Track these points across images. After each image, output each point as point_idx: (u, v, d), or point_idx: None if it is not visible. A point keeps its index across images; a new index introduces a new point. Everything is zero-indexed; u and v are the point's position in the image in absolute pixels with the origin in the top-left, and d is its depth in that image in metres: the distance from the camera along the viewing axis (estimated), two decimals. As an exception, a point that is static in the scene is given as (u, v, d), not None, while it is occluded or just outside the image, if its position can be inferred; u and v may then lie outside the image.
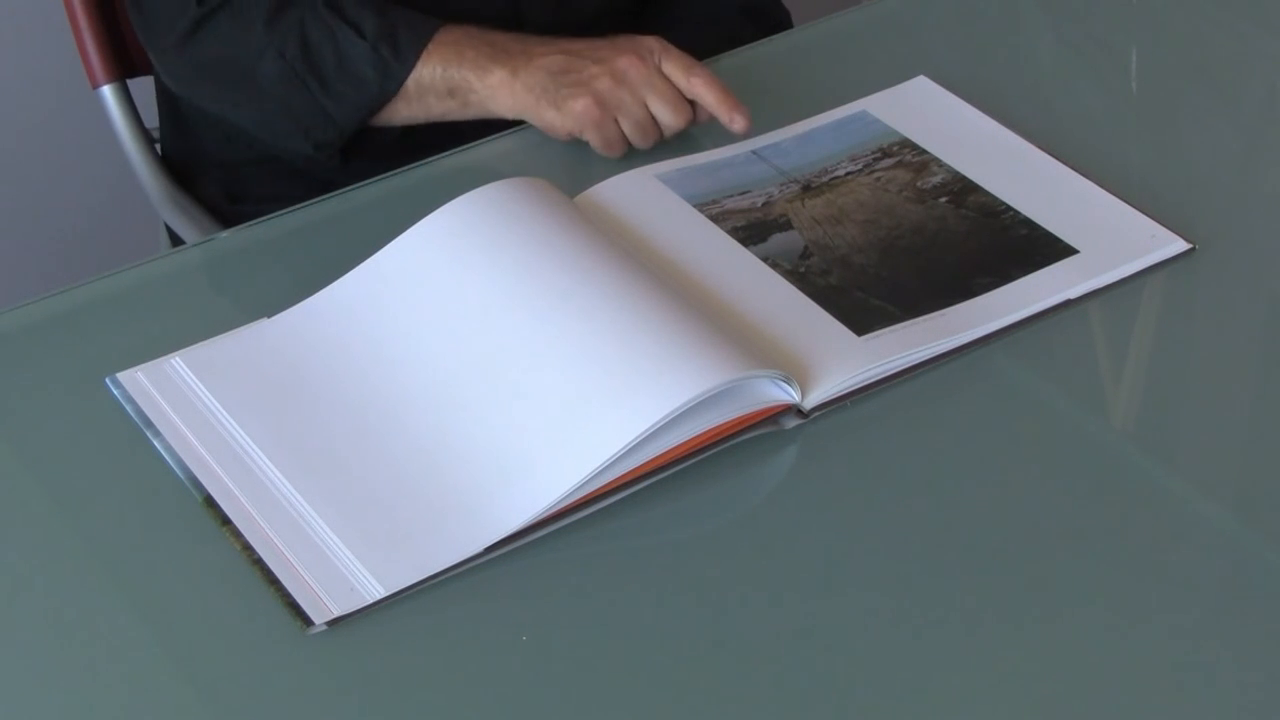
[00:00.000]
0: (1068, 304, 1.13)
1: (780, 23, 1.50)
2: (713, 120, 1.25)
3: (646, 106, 1.25)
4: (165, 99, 1.49)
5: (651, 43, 1.27)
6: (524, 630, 0.93)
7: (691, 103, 1.26)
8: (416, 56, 1.28)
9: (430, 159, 1.27)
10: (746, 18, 1.48)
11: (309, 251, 1.19)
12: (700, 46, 1.44)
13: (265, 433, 1.03)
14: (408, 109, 1.30)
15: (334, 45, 1.29)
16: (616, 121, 1.24)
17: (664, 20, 1.51)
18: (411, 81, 1.29)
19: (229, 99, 1.35)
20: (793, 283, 1.13)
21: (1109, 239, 1.17)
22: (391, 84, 1.29)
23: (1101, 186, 1.21)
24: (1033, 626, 0.94)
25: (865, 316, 1.10)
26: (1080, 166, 1.23)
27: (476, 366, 1.04)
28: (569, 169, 1.21)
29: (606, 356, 1.02)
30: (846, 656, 0.93)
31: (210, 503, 0.99)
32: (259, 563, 0.96)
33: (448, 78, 1.28)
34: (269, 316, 1.11)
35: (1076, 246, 1.16)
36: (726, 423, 1.01)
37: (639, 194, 1.19)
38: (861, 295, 1.12)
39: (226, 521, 0.98)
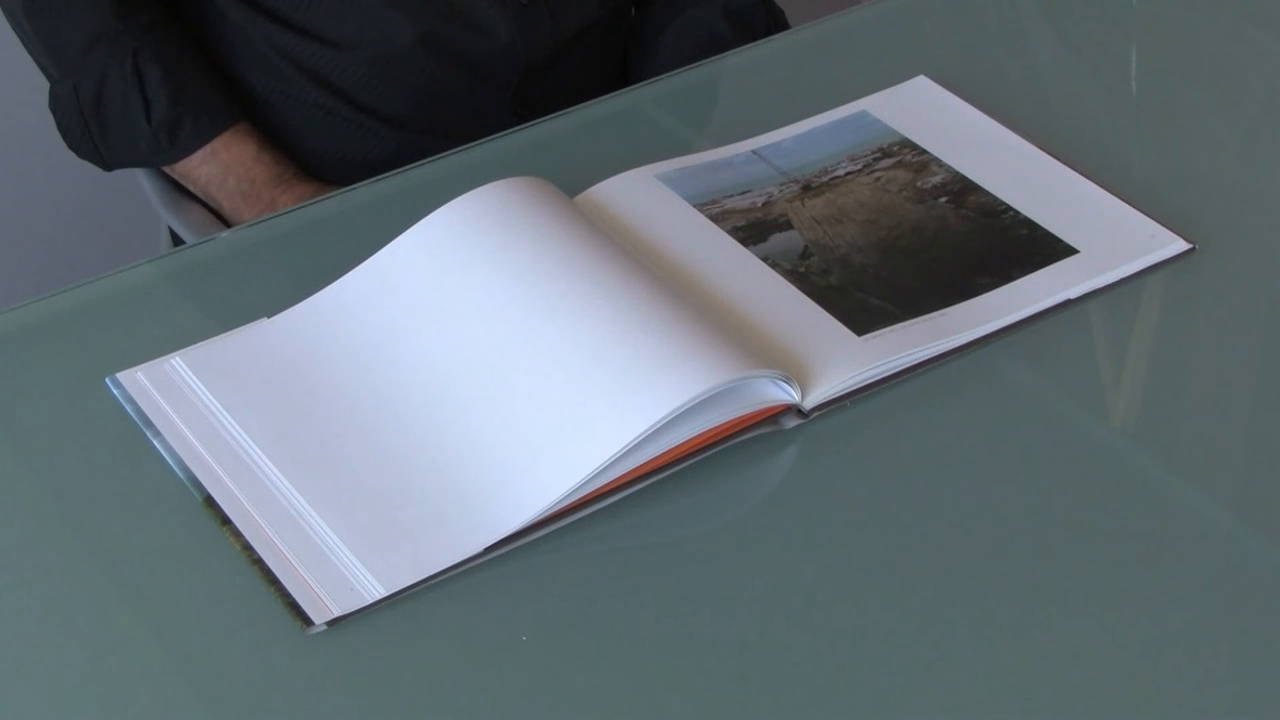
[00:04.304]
0: (1068, 304, 1.13)
1: (769, 26, 1.50)
2: (711, 120, 1.25)
3: None
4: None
5: None
6: (524, 630, 0.93)
7: None
8: (188, 155, 1.39)
9: (430, 159, 1.27)
10: (730, 21, 1.49)
11: (309, 251, 1.19)
12: (686, 52, 1.45)
13: (265, 433, 1.03)
14: (174, 176, 1.42)
15: (124, 107, 1.38)
16: None
17: (651, 27, 1.51)
18: (179, 169, 1.40)
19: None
20: (793, 283, 1.13)
21: (1109, 239, 1.17)
22: (159, 162, 1.41)
23: (1101, 186, 1.21)
24: (1033, 626, 0.94)
25: (865, 316, 1.10)
26: (1080, 166, 1.23)
27: (476, 366, 1.04)
28: (569, 169, 1.21)
29: (606, 356, 1.02)
30: (846, 656, 0.93)
31: (210, 503, 0.99)
32: (259, 563, 0.96)
33: (206, 191, 1.40)
34: (269, 316, 1.11)
35: (1076, 246, 1.16)
36: (726, 423, 1.01)
37: (639, 194, 1.19)
38: (861, 295, 1.12)
39: (226, 521, 0.98)
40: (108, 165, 1.43)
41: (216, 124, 1.39)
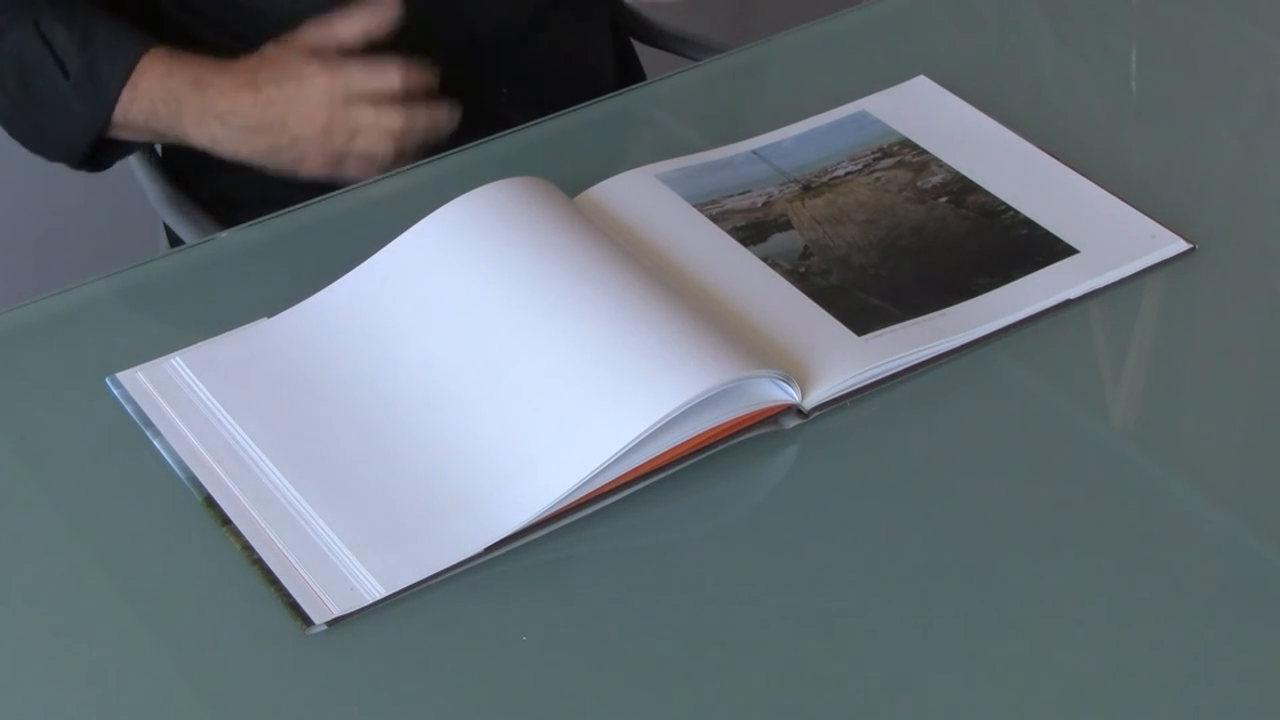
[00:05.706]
0: (1068, 304, 1.13)
1: None
2: (711, 120, 1.25)
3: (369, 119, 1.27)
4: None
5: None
6: (524, 630, 0.93)
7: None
8: (116, 94, 1.31)
9: (430, 159, 1.27)
10: None
11: (309, 251, 1.19)
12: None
13: (265, 433, 1.03)
14: (129, 134, 1.34)
15: (46, 78, 1.32)
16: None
17: None
18: (120, 120, 1.32)
19: None
20: (793, 283, 1.13)
21: (1109, 239, 1.17)
22: (99, 117, 1.32)
23: (1101, 186, 1.21)
24: (1033, 626, 0.94)
25: (865, 316, 1.10)
26: (1080, 166, 1.23)
27: (476, 366, 1.04)
28: (569, 169, 1.21)
29: (607, 356, 1.02)
30: (846, 655, 0.93)
31: (210, 503, 0.99)
32: (259, 563, 0.96)
33: (153, 130, 1.33)
34: (269, 316, 1.11)
35: (1076, 246, 1.16)
36: (726, 423, 1.01)
37: (639, 194, 1.19)
38: (861, 295, 1.12)
39: (226, 521, 0.98)
40: (66, 151, 1.37)
41: (133, 51, 1.32)
